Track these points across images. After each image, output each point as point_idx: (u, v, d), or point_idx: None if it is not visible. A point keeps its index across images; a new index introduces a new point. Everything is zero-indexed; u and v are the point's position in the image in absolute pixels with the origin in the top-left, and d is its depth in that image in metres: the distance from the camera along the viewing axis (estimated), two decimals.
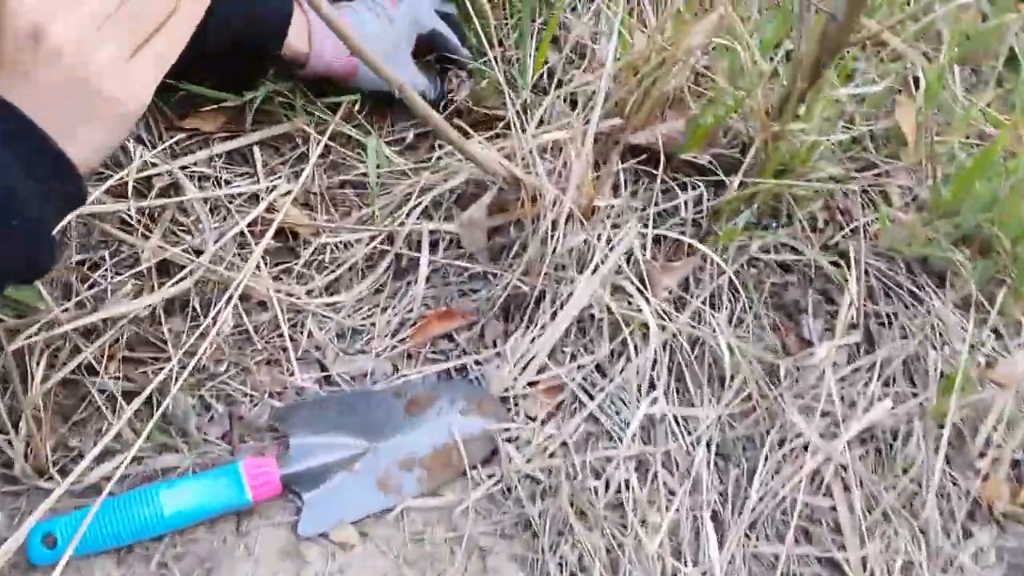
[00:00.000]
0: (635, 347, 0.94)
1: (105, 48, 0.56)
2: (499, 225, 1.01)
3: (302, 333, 0.94)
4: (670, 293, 0.98)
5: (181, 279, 0.92)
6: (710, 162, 1.03)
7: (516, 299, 0.97)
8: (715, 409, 0.93)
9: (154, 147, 1.02)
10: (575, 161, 0.90)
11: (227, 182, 1.01)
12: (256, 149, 1.04)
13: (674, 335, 0.95)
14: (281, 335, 0.93)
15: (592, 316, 0.96)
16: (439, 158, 1.05)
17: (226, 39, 0.91)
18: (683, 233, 1.01)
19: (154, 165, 0.99)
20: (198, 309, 0.93)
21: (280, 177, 1.02)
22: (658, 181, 0.99)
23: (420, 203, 1.01)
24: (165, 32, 0.58)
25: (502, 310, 0.98)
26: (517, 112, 1.04)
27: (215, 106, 1.04)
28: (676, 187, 1.03)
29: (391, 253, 0.98)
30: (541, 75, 1.09)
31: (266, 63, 0.98)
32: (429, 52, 1.10)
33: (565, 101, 1.08)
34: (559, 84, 1.09)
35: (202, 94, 1.03)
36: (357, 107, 1.07)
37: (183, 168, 1.00)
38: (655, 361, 0.93)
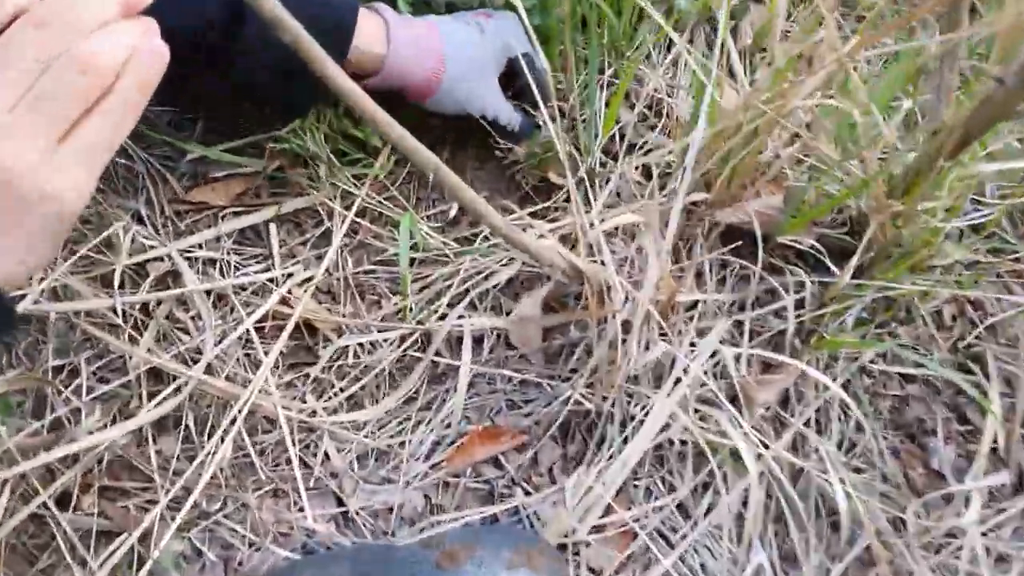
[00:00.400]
0: (725, 481, 0.76)
1: (20, 135, 0.41)
2: (556, 324, 0.83)
3: (315, 456, 0.78)
4: (767, 410, 0.80)
5: (176, 389, 0.77)
6: (813, 246, 0.85)
7: (577, 416, 0.80)
8: (825, 563, 0.74)
9: (154, 225, 0.87)
10: (653, 253, 0.72)
11: (237, 267, 0.85)
12: (272, 227, 0.88)
13: (772, 465, 0.76)
14: (290, 460, 0.76)
15: (671, 441, 0.78)
16: (486, 237, 0.88)
17: (279, 46, 0.74)
18: (782, 336, 0.83)
19: (152, 247, 0.84)
20: (192, 428, 0.77)
21: (298, 262, 0.86)
22: (756, 273, 0.81)
23: (462, 292, 0.85)
24: (102, 112, 0.42)
25: (560, 429, 0.80)
26: (581, 182, 0.88)
27: (227, 173, 0.89)
28: (772, 277, 0.84)
29: (426, 358, 0.81)
30: (612, 135, 0.92)
31: None
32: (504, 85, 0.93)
33: (637, 169, 0.91)
34: (631, 148, 0.92)
35: (216, 160, 0.89)
36: (388, 175, 0.92)
37: (185, 252, 0.85)
38: (750, 499, 0.75)
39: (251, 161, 0.89)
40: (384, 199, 0.91)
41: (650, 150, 0.92)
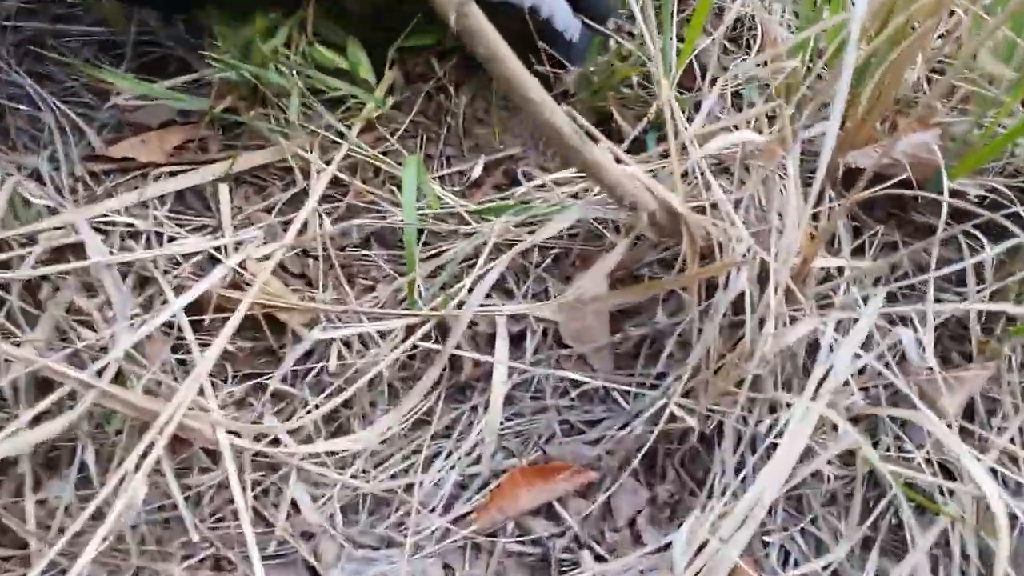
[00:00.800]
0: (906, 529, 0.49)
1: None
2: (632, 306, 0.58)
3: (278, 507, 0.51)
4: (949, 427, 0.54)
5: (69, 406, 0.51)
6: (993, 191, 0.60)
7: (669, 440, 0.54)
8: None
9: (57, 187, 0.62)
10: (793, 189, 0.47)
11: (171, 239, 0.60)
12: (223, 188, 0.63)
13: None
14: (237, 513, 0.49)
15: (818, 475, 0.51)
16: (524, 199, 0.63)
17: None
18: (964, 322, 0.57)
19: (53, 212, 0.59)
20: (91, 464, 0.51)
21: (260, 227, 0.61)
22: (942, 236, 0.55)
23: (490, 270, 0.59)
24: None
25: (644, 462, 0.54)
26: (651, 129, 0.64)
27: (163, 121, 0.65)
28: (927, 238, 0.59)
29: (442, 355, 0.56)
30: (689, 68, 0.68)
31: None
32: None
33: (723, 97, 0.67)
34: (712, 84, 0.67)
35: (152, 99, 0.65)
36: (385, 123, 0.67)
37: (99, 221, 0.60)
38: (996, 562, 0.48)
39: (196, 101, 0.65)
40: (382, 152, 0.66)
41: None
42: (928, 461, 0.51)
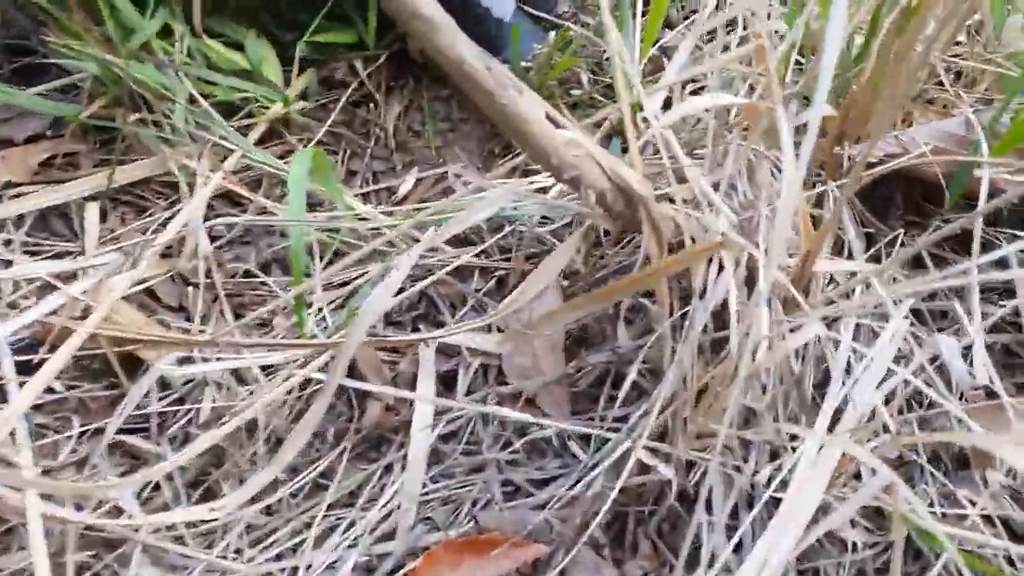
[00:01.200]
0: None
1: None
2: (591, 331, 0.46)
3: None
4: (1014, 479, 0.41)
5: None
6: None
7: (639, 500, 0.41)
8: None
9: None
10: (790, 162, 0.36)
11: (11, 264, 0.48)
12: (92, 207, 0.51)
13: None
14: None
15: (837, 541, 0.38)
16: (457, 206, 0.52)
17: None
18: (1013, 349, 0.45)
19: None
20: None
21: (120, 248, 0.49)
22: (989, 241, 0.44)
23: (416, 298, 0.47)
24: None
25: (608, 529, 0.41)
26: (614, 137, 0.53)
27: (28, 135, 0.54)
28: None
29: (327, 386, 0.43)
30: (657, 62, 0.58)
31: None
32: None
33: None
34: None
35: (18, 105, 0.54)
36: (298, 131, 0.56)
37: None
38: None
39: (67, 108, 0.54)
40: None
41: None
42: (987, 519, 0.38)
